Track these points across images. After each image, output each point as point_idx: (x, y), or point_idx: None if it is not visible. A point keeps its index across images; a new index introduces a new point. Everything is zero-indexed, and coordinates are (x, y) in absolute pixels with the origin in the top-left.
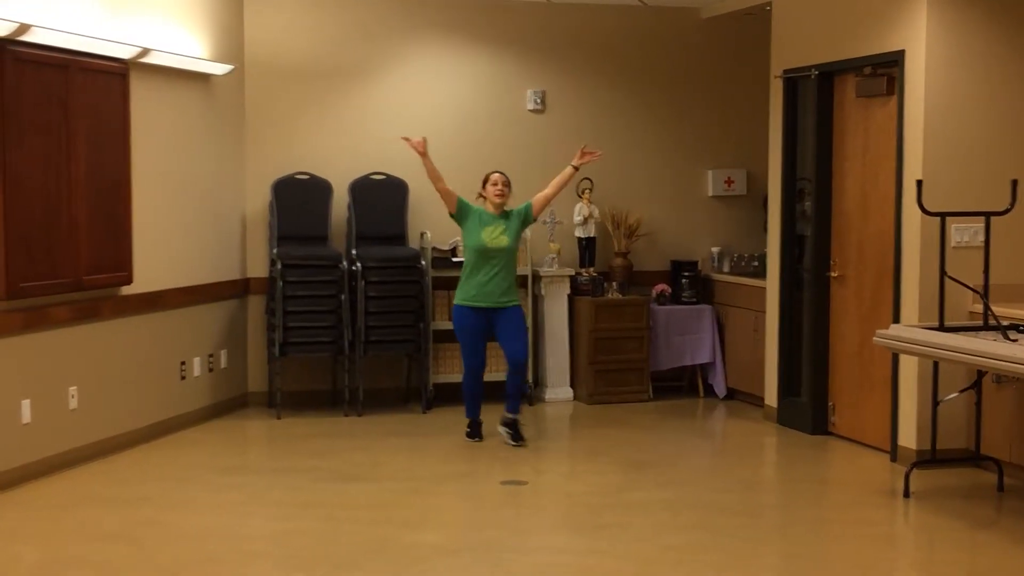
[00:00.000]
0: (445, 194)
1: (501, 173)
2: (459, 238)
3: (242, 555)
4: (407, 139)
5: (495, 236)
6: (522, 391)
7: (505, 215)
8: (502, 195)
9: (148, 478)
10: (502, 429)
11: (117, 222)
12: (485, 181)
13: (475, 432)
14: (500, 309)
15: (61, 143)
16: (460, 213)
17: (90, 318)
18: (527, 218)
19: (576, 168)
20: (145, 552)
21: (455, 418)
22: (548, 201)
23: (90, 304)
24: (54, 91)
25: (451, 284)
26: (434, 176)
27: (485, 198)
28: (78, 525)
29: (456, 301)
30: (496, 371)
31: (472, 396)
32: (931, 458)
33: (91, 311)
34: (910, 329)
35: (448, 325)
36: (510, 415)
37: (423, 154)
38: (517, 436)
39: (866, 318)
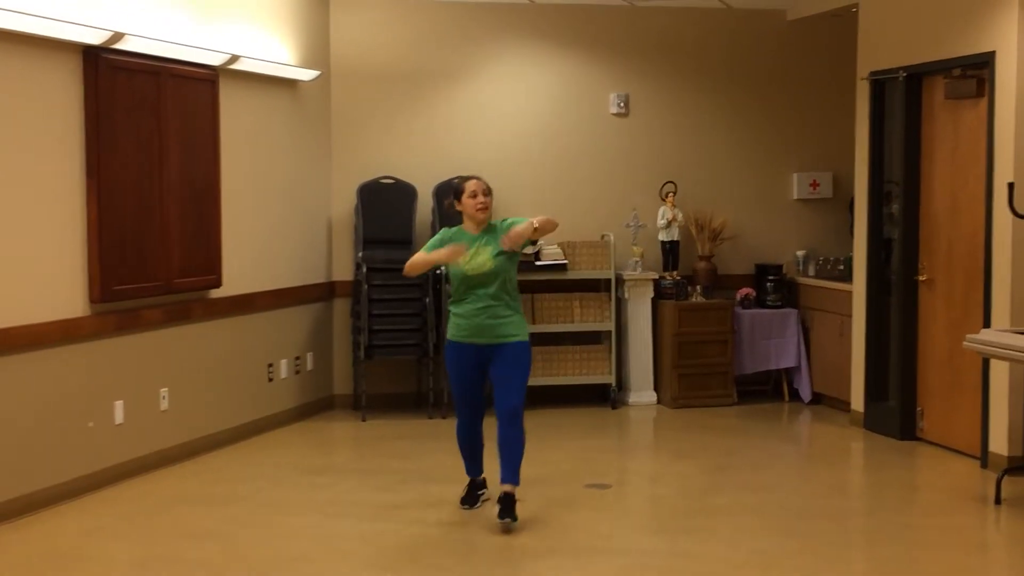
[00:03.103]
0: (427, 263)
1: (478, 179)
2: (543, 240)
3: (332, 554)
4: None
5: (475, 259)
6: (518, 451)
7: (491, 230)
8: (485, 208)
9: (238, 478)
10: (497, 507)
11: (207, 226)
12: (459, 192)
13: (469, 495)
14: (495, 346)
15: (153, 149)
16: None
17: (180, 320)
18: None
19: (534, 229)
20: (236, 550)
21: (539, 420)
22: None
23: (180, 307)
24: (146, 97)
25: (533, 287)
26: (425, 264)
27: (463, 214)
28: (170, 524)
29: (448, 336)
30: None
31: (465, 449)
32: (1023, 464)
33: (181, 313)
34: (1001, 333)
35: (534, 327)
36: (504, 487)
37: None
38: (506, 511)
39: (955, 322)
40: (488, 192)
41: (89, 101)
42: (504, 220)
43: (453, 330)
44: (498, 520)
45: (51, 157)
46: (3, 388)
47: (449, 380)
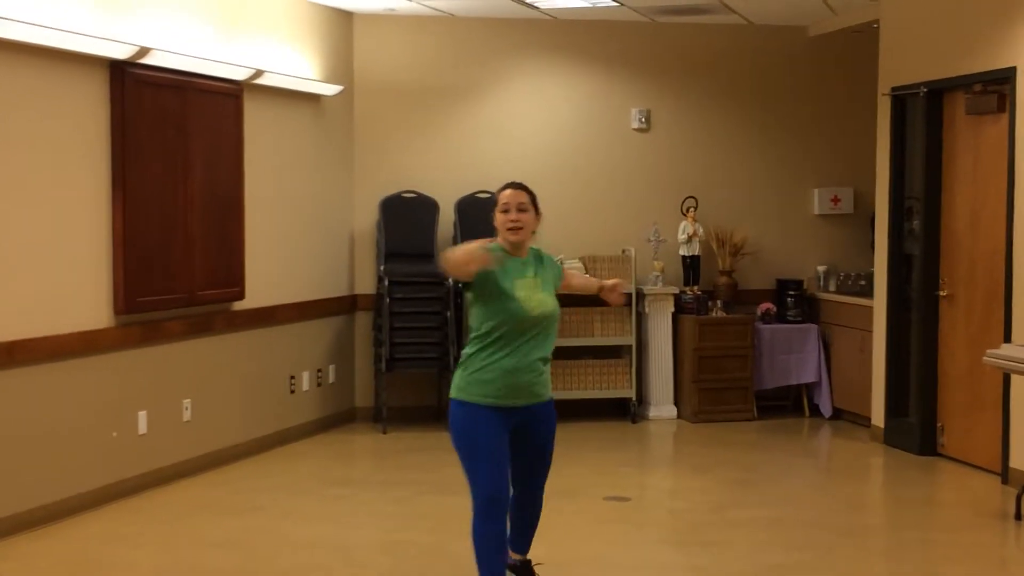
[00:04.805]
0: (475, 255)
1: (519, 188)
2: (563, 255)
3: (351, 565)
4: None
5: (534, 295)
6: (538, 516)
7: (537, 259)
8: (517, 228)
9: (259, 488)
10: None
11: (230, 239)
12: (494, 203)
13: None
14: (532, 408)
15: (177, 162)
16: (481, 280)
17: (203, 332)
18: (556, 282)
19: (598, 292)
20: (257, 560)
21: (559, 434)
22: (567, 290)
23: (203, 319)
24: (171, 112)
25: None
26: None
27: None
28: (192, 533)
29: (461, 396)
30: None
31: (489, 547)
32: None
33: (204, 326)
34: (1021, 349)
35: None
36: (518, 556)
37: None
38: None
39: (976, 338)
40: (525, 207)
41: (115, 115)
42: (553, 257)
43: (478, 388)
44: None
45: (77, 170)
46: (28, 398)
47: (465, 454)
